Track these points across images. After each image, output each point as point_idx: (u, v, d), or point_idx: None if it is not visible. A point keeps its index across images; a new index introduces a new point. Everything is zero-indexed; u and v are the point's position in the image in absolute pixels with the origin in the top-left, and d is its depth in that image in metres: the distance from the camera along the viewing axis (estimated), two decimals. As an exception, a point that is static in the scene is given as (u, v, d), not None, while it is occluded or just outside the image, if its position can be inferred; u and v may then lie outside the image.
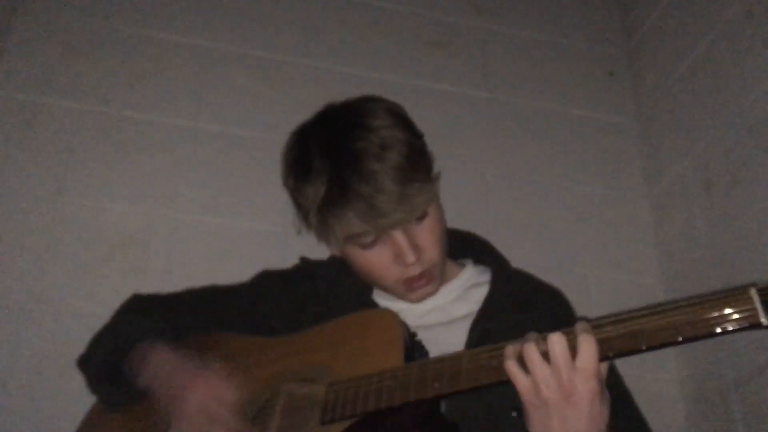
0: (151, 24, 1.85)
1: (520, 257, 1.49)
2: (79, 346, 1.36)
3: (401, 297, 1.29)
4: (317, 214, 1.26)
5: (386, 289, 1.30)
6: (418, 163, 1.24)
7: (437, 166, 1.36)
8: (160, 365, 1.16)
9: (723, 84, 1.74)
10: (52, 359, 1.48)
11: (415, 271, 1.24)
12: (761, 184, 1.58)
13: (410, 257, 1.21)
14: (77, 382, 1.35)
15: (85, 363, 1.31)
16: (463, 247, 1.45)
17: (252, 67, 1.88)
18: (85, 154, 1.68)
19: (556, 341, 0.90)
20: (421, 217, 1.24)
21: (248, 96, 1.85)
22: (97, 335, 1.32)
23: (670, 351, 1.80)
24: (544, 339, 0.93)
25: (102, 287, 1.57)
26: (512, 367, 0.92)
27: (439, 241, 1.27)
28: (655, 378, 1.77)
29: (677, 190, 1.87)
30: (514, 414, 1.09)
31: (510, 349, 0.93)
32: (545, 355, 0.91)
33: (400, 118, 1.30)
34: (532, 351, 0.91)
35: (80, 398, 1.32)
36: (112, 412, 1.25)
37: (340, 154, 1.22)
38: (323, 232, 1.30)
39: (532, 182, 1.94)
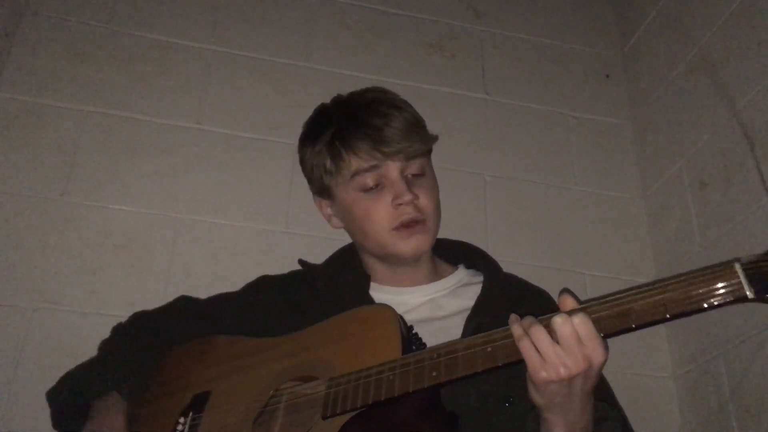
0: (155, 27, 1.86)
1: (517, 257, 1.51)
2: (83, 346, 1.38)
3: (394, 251, 1.33)
4: (329, 147, 1.36)
5: (379, 244, 1.34)
6: (422, 126, 1.41)
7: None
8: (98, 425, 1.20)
9: (716, 86, 1.74)
10: (56, 359, 1.48)
11: (410, 213, 1.31)
12: (755, 184, 1.58)
13: (407, 195, 1.31)
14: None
15: (50, 398, 1.31)
16: (456, 253, 1.49)
17: (254, 69, 1.89)
18: (89, 156, 1.69)
19: (562, 323, 0.92)
20: (419, 174, 1.36)
21: (251, 98, 1.85)
22: (68, 374, 1.33)
23: (664, 349, 1.81)
24: (543, 323, 0.95)
25: (106, 287, 1.58)
26: (528, 347, 0.94)
27: (434, 198, 1.37)
28: (650, 375, 1.77)
29: (672, 190, 1.87)
30: (507, 404, 1.12)
31: (519, 329, 0.95)
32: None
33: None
34: (542, 333, 0.93)
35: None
36: None
37: (356, 102, 1.43)
38: (332, 168, 1.37)
39: (530, 183, 1.94)
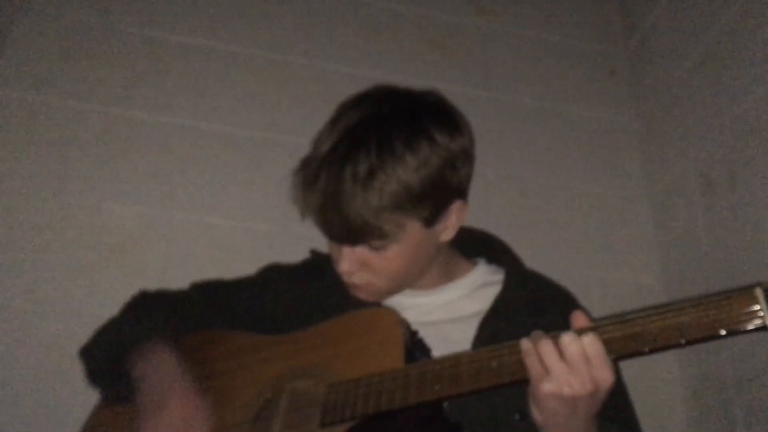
0: (151, 23, 1.85)
1: (520, 257, 1.49)
2: (78, 346, 1.35)
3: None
4: (295, 177, 1.26)
5: None
6: (400, 208, 1.14)
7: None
8: (151, 370, 1.16)
9: (724, 83, 1.73)
10: (51, 359, 1.48)
11: (350, 280, 1.22)
12: (761, 183, 1.58)
13: (343, 266, 1.20)
14: (77, 382, 1.36)
15: (86, 354, 1.31)
16: (476, 245, 1.42)
17: (252, 66, 1.88)
18: (84, 154, 1.68)
19: (571, 342, 0.90)
20: (378, 248, 1.17)
21: (248, 95, 1.84)
22: (102, 329, 1.33)
23: (670, 351, 1.80)
24: (552, 338, 0.93)
25: (101, 287, 1.57)
26: (535, 365, 0.92)
27: (390, 276, 1.21)
28: (656, 378, 1.76)
29: (677, 189, 1.87)
30: (516, 417, 1.09)
31: (527, 344, 0.93)
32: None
33: (435, 155, 1.17)
34: (550, 348, 0.91)
35: (80, 398, 1.33)
36: (113, 409, 1.26)
37: (339, 150, 1.16)
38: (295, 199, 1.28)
39: (532, 182, 1.94)
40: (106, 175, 1.67)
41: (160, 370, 1.16)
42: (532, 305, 1.26)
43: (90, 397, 1.30)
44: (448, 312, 1.28)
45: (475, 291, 1.31)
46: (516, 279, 1.31)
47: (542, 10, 2.19)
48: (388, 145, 1.14)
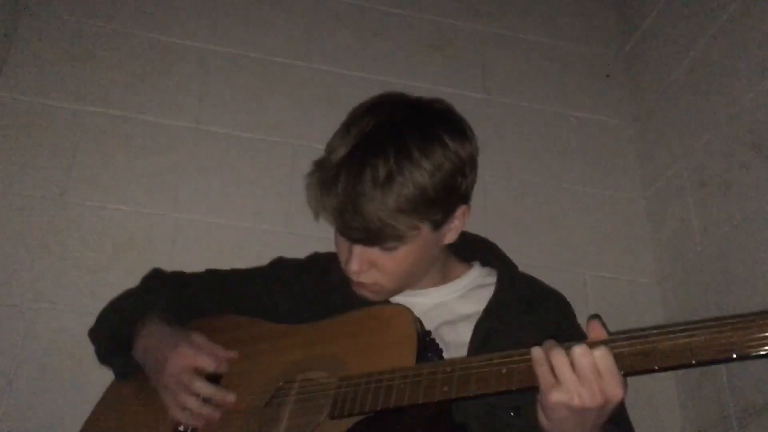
0: (154, 26, 1.85)
1: (517, 257, 1.49)
2: (83, 347, 1.38)
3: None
4: (311, 179, 1.27)
5: None
6: (415, 211, 1.17)
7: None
8: (148, 337, 1.22)
9: (719, 86, 1.74)
10: (55, 359, 1.49)
11: (358, 279, 1.24)
12: (755, 185, 1.58)
13: (352, 266, 1.21)
14: (80, 381, 1.38)
15: (92, 335, 1.36)
16: (471, 249, 1.44)
17: (254, 69, 1.88)
18: (88, 156, 1.68)
19: (582, 354, 0.90)
20: (389, 248, 1.20)
21: (250, 98, 1.85)
22: (106, 308, 1.37)
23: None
24: (564, 348, 0.93)
25: (105, 288, 1.55)
26: (546, 374, 0.92)
27: (396, 276, 1.23)
28: (651, 377, 1.76)
29: (673, 190, 1.87)
30: (512, 414, 1.10)
31: (539, 352, 0.93)
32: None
33: (447, 160, 1.22)
34: (563, 358, 0.91)
35: (83, 397, 1.34)
36: (122, 388, 1.30)
37: (358, 154, 1.18)
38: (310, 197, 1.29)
39: (529, 183, 1.94)
40: (110, 177, 1.68)
41: (152, 337, 1.21)
42: (524, 304, 1.28)
43: (94, 396, 1.31)
44: (444, 313, 1.29)
45: (469, 292, 1.33)
46: (508, 280, 1.34)
47: (539, 14, 2.19)
48: (406, 151, 1.17)
